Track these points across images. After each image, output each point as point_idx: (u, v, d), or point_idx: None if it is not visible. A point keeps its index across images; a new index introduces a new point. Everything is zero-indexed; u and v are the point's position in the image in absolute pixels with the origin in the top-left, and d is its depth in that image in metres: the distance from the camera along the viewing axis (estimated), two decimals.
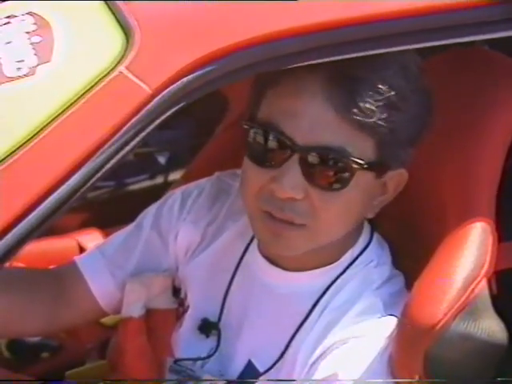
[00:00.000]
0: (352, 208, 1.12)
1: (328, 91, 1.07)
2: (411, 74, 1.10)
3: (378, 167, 1.11)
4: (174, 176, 2.40)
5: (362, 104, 1.06)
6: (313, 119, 1.07)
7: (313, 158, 1.08)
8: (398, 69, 1.08)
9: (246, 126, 1.12)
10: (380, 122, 1.07)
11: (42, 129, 0.96)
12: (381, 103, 1.06)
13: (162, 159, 2.54)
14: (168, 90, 0.99)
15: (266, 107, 1.11)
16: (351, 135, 1.08)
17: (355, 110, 1.06)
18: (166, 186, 1.99)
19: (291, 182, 1.08)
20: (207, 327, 1.23)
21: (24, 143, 0.96)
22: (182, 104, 1.01)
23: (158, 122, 1.00)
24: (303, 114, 1.07)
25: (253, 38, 1.02)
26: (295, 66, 1.04)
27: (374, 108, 1.06)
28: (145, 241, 1.29)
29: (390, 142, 1.09)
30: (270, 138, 1.09)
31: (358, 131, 1.07)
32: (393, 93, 1.07)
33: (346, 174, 1.09)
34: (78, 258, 1.31)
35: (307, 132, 1.07)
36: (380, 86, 1.06)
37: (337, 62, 1.04)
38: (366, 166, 1.09)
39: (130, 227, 1.32)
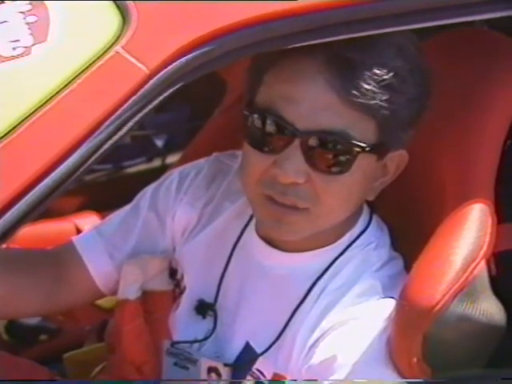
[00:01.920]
0: (354, 191, 1.12)
1: (328, 75, 1.06)
2: (409, 54, 1.10)
3: (379, 149, 1.11)
4: (172, 159, 2.39)
5: (362, 86, 1.05)
6: (313, 104, 1.07)
7: (314, 142, 1.08)
8: (396, 50, 1.08)
9: (245, 113, 1.12)
10: (381, 104, 1.07)
11: (37, 109, 0.96)
12: (381, 85, 1.06)
13: (159, 142, 2.54)
14: (165, 70, 0.98)
15: (264, 92, 1.11)
16: (352, 118, 1.07)
17: (356, 92, 1.05)
18: (164, 169, 1.99)
19: (293, 166, 1.08)
20: (203, 308, 1.23)
21: (19, 124, 0.95)
22: (179, 85, 1.00)
23: (155, 103, 0.99)
24: (303, 98, 1.07)
25: (251, 17, 1.01)
26: (294, 46, 1.03)
27: (374, 89, 1.06)
28: (142, 222, 1.29)
29: (390, 124, 1.09)
30: (270, 123, 1.09)
31: (359, 114, 1.07)
32: (392, 74, 1.07)
33: (348, 158, 1.08)
34: (75, 239, 1.31)
35: (308, 117, 1.07)
36: (379, 68, 1.06)
37: (335, 44, 1.04)
38: (367, 148, 1.09)
39: (128, 208, 1.32)
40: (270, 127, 1.09)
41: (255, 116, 1.10)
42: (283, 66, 1.08)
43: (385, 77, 1.06)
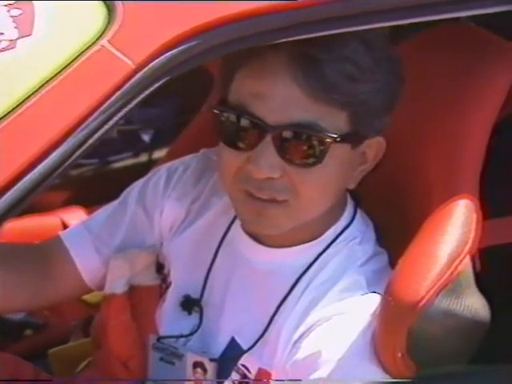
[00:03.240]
0: (331, 181, 1.12)
1: (293, 70, 1.07)
2: (374, 44, 1.10)
3: (352, 138, 1.11)
4: (159, 154, 2.39)
5: (326, 80, 1.06)
6: (282, 99, 1.08)
7: (286, 136, 1.09)
8: (359, 41, 1.08)
9: (216, 111, 1.12)
10: (347, 96, 1.07)
11: (21, 103, 0.95)
12: (345, 77, 1.07)
13: (146, 137, 2.53)
14: (151, 64, 0.98)
15: (235, 90, 1.12)
16: (321, 111, 1.08)
17: (320, 87, 1.06)
18: (151, 164, 1.98)
19: (267, 162, 1.08)
20: (189, 304, 1.22)
21: (3, 117, 0.94)
22: (165, 79, 0.99)
23: (141, 97, 0.99)
24: (272, 94, 1.08)
25: (236, 13, 1.01)
26: (279, 41, 1.03)
27: (338, 82, 1.06)
28: (130, 217, 1.29)
29: (362, 113, 1.10)
30: (242, 120, 1.10)
31: (326, 106, 1.08)
32: (356, 66, 1.07)
33: (320, 149, 1.09)
34: (62, 234, 1.31)
35: (278, 112, 1.08)
36: (342, 61, 1.07)
37: (299, 40, 1.04)
38: (339, 138, 1.09)
39: (115, 203, 1.32)
40: (242, 124, 1.10)
41: (226, 114, 1.11)
42: (252, 64, 1.09)
43: (348, 69, 1.07)
